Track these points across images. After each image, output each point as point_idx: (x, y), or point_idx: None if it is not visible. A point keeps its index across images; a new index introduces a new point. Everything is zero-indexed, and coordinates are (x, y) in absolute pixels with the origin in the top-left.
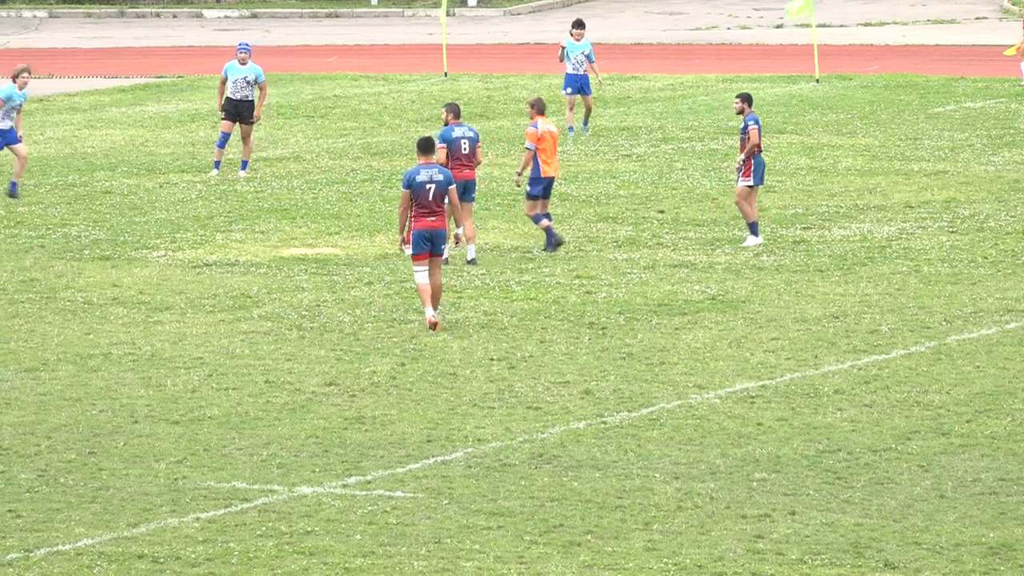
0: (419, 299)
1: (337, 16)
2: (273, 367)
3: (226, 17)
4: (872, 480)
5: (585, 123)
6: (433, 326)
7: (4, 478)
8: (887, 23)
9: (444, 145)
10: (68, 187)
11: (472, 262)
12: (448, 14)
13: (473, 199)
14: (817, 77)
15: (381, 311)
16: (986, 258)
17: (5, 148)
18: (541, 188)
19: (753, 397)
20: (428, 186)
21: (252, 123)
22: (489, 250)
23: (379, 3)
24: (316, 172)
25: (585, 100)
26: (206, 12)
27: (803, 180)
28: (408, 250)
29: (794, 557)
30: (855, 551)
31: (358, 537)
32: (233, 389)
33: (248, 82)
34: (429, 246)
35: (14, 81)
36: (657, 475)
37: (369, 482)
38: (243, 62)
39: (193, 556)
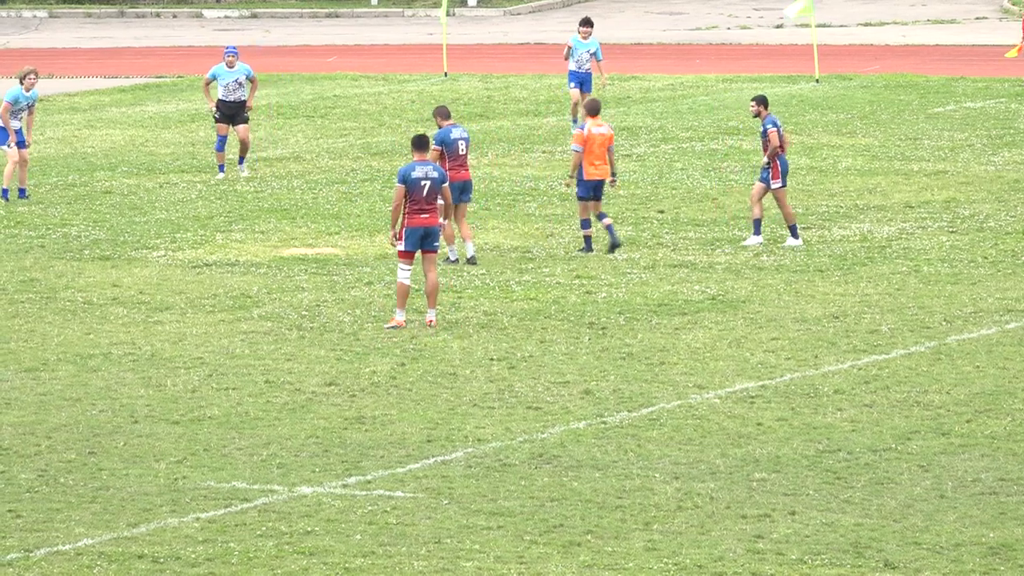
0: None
1: (337, 16)
2: (273, 367)
3: (226, 17)
4: (872, 480)
5: (574, 119)
6: (399, 325)
7: (4, 478)
8: (887, 23)
9: (439, 148)
10: (68, 187)
11: (472, 260)
12: (448, 14)
13: (470, 199)
14: (817, 77)
15: (381, 311)
16: (986, 258)
17: (5, 148)
18: (588, 190)
19: (753, 397)
20: (423, 183)
21: (247, 121)
22: (489, 250)
23: (379, 3)
24: (316, 172)
25: (584, 97)
26: (206, 12)
27: (803, 180)
28: (401, 245)
29: (794, 557)
30: (855, 551)
31: (358, 537)
32: (233, 389)
33: (239, 83)
34: (421, 243)
35: (21, 83)
36: (657, 475)
37: (369, 482)
38: (231, 65)
39: (193, 556)
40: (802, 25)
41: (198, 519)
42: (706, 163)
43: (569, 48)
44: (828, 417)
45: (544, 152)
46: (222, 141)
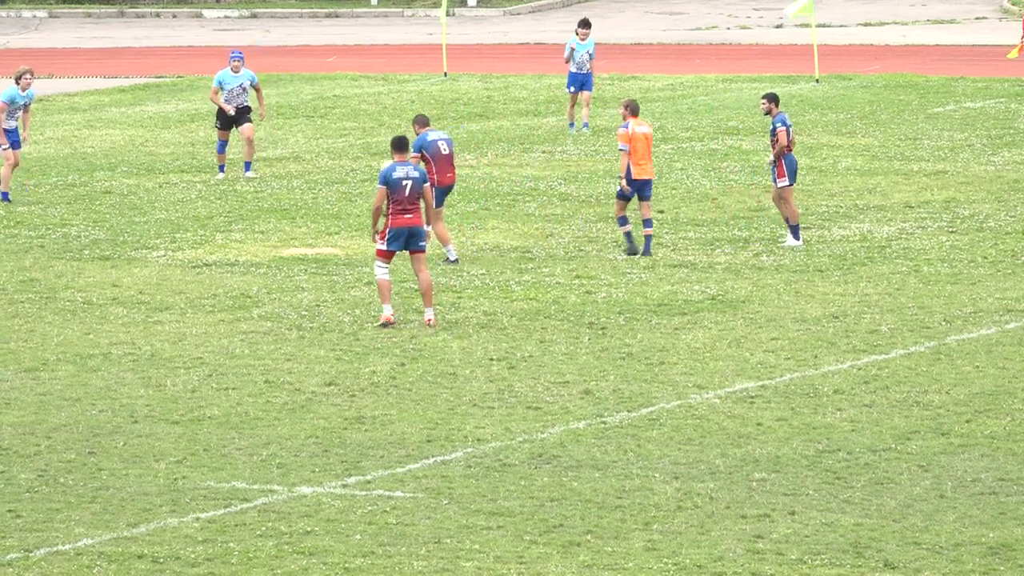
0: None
1: (337, 16)
2: (273, 367)
3: (226, 17)
4: (872, 480)
5: (571, 123)
6: (388, 321)
7: (4, 478)
8: (887, 23)
9: (418, 155)
10: (68, 187)
11: (454, 262)
12: (448, 14)
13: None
14: (817, 77)
15: (381, 311)
16: (986, 258)
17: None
18: (632, 190)
19: (753, 397)
20: (405, 183)
21: (251, 123)
22: (489, 250)
23: (379, 3)
24: (316, 172)
25: (585, 96)
26: (206, 12)
27: (803, 180)
28: (383, 244)
29: (794, 557)
30: (855, 551)
31: (358, 537)
32: (233, 389)
33: (243, 88)
34: (407, 244)
35: (16, 83)
36: (657, 475)
37: (369, 482)
38: (236, 70)
39: (193, 556)
40: (802, 25)
41: (198, 519)
42: (706, 163)
43: (572, 50)
44: (828, 417)
45: (544, 152)
46: (223, 144)
